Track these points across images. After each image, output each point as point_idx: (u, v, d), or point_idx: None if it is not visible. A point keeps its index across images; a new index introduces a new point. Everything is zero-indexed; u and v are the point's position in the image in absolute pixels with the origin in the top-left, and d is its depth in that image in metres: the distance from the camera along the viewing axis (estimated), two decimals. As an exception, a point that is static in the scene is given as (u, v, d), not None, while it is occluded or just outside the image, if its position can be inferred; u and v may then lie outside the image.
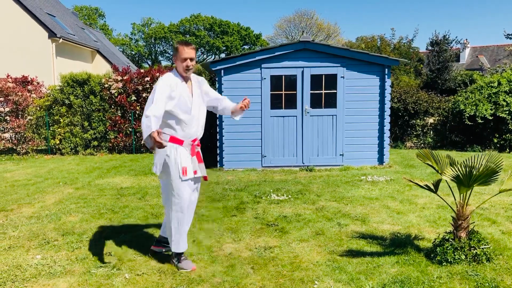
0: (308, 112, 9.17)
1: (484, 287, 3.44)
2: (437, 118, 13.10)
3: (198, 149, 4.03)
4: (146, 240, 4.76)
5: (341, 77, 9.15)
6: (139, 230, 5.12)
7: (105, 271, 3.92)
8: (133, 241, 4.72)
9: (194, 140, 3.94)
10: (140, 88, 12.63)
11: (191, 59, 3.80)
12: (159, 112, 3.53)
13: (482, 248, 3.92)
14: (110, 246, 4.60)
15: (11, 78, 13.06)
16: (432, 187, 4.14)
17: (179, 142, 3.84)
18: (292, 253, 4.28)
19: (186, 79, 3.90)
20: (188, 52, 3.78)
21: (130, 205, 6.34)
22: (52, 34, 20.65)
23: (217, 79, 9.28)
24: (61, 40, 21.04)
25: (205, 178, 4.00)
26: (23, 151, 12.65)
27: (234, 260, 4.15)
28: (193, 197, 4.03)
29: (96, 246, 4.59)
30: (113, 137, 12.69)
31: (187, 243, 4.09)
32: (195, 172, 3.88)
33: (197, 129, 3.94)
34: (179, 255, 3.99)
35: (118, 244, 4.64)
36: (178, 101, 3.76)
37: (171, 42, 54.87)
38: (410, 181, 4.29)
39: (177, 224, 3.90)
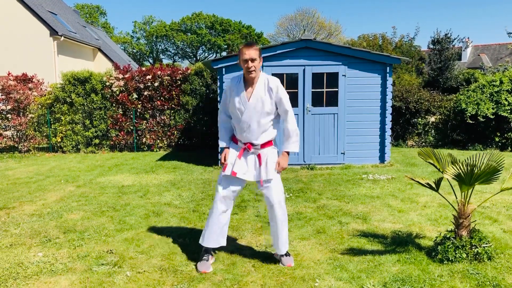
0: (309, 111, 9.16)
1: (485, 286, 3.44)
2: (438, 116, 13.08)
3: (252, 153, 3.89)
4: (147, 238, 4.77)
5: (343, 75, 9.14)
6: (142, 228, 5.13)
7: (106, 269, 3.93)
8: (134, 239, 4.73)
9: (246, 144, 3.86)
10: (141, 86, 12.64)
11: (252, 60, 3.67)
12: (220, 120, 4.05)
13: (484, 247, 3.91)
14: (111, 244, 4.61)
15: (12, 76, 13.07)
16: (433, 185, 4.14)
17: (235, 141, 3.98)
18: (293, 251, 4.28)
19: (249, 81, 3.80)
20: (248, 53, 3.66)
21: (131, 203, 6.34)
22: (53, 32, 20.65)
23: (218, 77, 9.27)
24: (62, 38, 21.04)
25: (261, 183, 3.85)
26: (25, 149, 12.67)
27: (235, 258, 4.15)
28: (235, 193, 3.96)
29: (98, 244, 4.60)
30: (114, 135, 12.70)
31: (213, 243, 4.02)
32: (233, 173, 3.85)
33: (249, 135, 3.82)
34: (202, 250, 4.07)
35: (120, 242, 4.65)
36: (231, 104, 3.88)
37: (173, 40, 54.85)
38: (412, 179, 4.29)
39: (208, 214, 4.07)
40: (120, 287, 3.57)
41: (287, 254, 4.00)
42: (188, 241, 4.63)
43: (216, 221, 3.97)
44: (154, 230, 5.06)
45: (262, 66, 9.09)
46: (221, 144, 4.04)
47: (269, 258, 4.13)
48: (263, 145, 3.87)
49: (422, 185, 4.20)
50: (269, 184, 3.83)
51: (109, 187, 7.54)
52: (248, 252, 4.30)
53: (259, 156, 3.86)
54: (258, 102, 3.75)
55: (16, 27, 20.49)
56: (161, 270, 3.89)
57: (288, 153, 3.90)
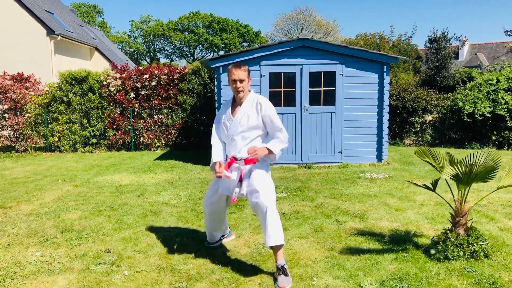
0: (306, 110, 9.17)
1: (482, 283, 3.45)
2: (435, 115, 13.11)
3: (237, 168, 3.85)
4: (145, 237, 4.77)
5: (340, 74, 9.15)
6: (139, 227, 5.13)
7: (104, 268, 3.93)
8: (132, 238, 4.73)
9: (231, 158, 3.86)
10: (139, 85, 12.62)
11: (241, 81, 3.74)
12: (213, 140, 3.99)
13: (480, 245, 3.93)
14: (109, 243, 4.61)
15: (8, 75, 13.04)
16: (430, 186, 4.15)
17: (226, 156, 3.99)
18: (291, 250, 4.29)
19: (238, 100, 3.86)
20: (237, 74, 3.72)
21: (129, 202, 6.34)
22: (50, 32, 20.60)
23: (215, 76, 9.27)
24: (59, 37, 20.98)
25: (232, 199, 3.84)
26: (22, 148, 12.64)
27: (233, 257, 4.16)
28: (212, 206, 4.10)
29: (95, 243, 4.60)
30: (111, 134, 12.69)
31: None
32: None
33: (232, 148, 3.84)
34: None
35: (117, 241, 4.65)
36: (220, 123, 3.96)
37: (170, 39, 54.79)
38: (409, 181, 4.30)
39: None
40: (118, 286, 3.57)
41: (284, 273, 3.60)
42: (186, 240, 4.64)
43: (208, 225, 4.30)
44: (152, 229, 5.06)
45: (259, 65, 9.09)
46: (215, 158, 3.90)
47: (267, 256, 4.13)
48: (247, 161, 3.80)
49: (419, 186, 4.21)
50: (258, 194, 3.70)
51: (106, 186, 7.53)
52: (246, 251, 4.31)
53: (241, 171, 3.82)
54: (244, 117, 3.80)
55: (13, 27, 20.43)
56: (159, 269, 3.89)
57: (268, 149, 3.71)
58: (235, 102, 3.91)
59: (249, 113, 3.80)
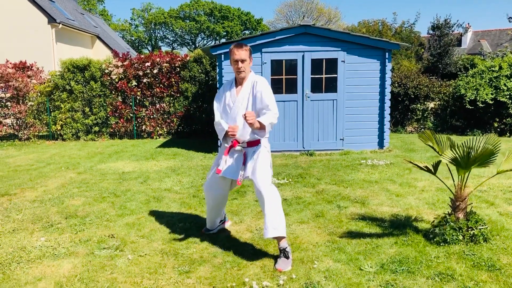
0: (308, 97, 9.17)
1: (481, 266, 3.50)
2: (437, 102, 13.10)
3: (239, 151, 3.90)
4: (148, 222, 4.83)
5: (342, 61, 9.13)
6: (142, 213, 5.19)
7: (108, 253, 3.99)
8: (135, 223, 4.79)
9: (233, 141, 3.87)
10: (140, 73, 12.62)
11: (242, 61, 3.74)
12: (217, 119, 3.96)
13: (480, 229, 3.97)
14: (113, 228, 4.67)
15: (10, 63, 13.05)
16: (431, 168, 4.18)
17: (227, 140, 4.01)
18: (292, 235, 4.34)
19: (239, 81, 3.87)
20: (239, 54, 3.73)
21: (132, 189, 6.40)
22: (51, 20, 20.54)
23: (217, 63, 9.27)
24: (60, 25, 20.93)
25: (238, 182, 3.86)
26: (25, 136, 12.70)
27: (235, 242, 4.21)
28: (216, 191, 4.10)
29: (99, 229, 4.66)
30: (114, 122, 12.72)
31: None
32: (218, 171, 3.90)
33: (238, 132, 3.79)
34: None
35: (121, 227, 4.71)
36: (223, 102, 3.94)
37: (171, 27, 54.55)
38: (410, 162, 4.33)
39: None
40: (122, 270, 3.63)
41: (285, 255, 3.66)
42: (189, 226, 4.69)
43: (209, 211, 4.31)
44: (155, 215, 5.12)
45: (261, 52, 9.08)
46: (226, 126, 3.90)
47: (269, 241, 4.18)
48: (250, 143, 3.86)
49: (421, 168, 4.24)
50: (256, 175, 3.77)
51: (109, 173, 7.59)
52: (247, 236, 4.36)
53: (244, 154, 3.87)
54: (244, 99, 3.83)
55: (14, 15, 20.37)
56: (162, 253, 3.95)
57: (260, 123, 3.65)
58: (237, 83, 3.92)
59: (248, 97, 3.83)
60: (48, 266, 3.73)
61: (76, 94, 12.56)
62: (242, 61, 3.75)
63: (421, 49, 23.28)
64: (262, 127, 3.66)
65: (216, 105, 4.02)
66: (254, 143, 3.85)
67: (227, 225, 4.66)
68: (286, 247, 3.68)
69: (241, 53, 3.74)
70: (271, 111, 3.71)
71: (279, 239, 3.69)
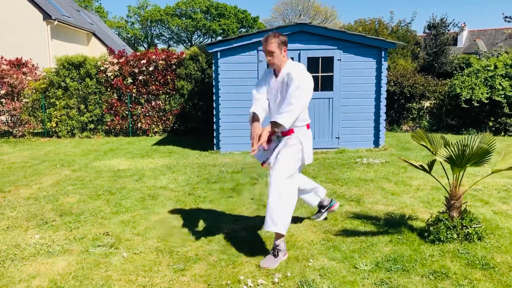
0: (304, 95, 9.15)
1: (475, 265, 3.51)
2: (433, 101, 13.14)
3: (275, 138, 3.87)
4: (143, 220, 4.82)
5: (338, 59, 9.14)
6: (138, 211, 5.17)
7: (103, 250, 3.98)
8: (130, 221, 4.77)
9: (270, 131, 3.73)
10: (136, 70, 12.58)
11: (271, 53, 3.69)
12: (251, 109, 3.81)
13: (474, 227, 3.99)
14: (108, 226, 4.66)
15: (5, 60, 12.98)
16: (426, 167, 4.19)
17: None
18: (288, 233, 4.33)
19: (275, 70, 3.83)
20: (265, 47, 3.72)
21: (127, 187, 6.38)
22: (47, 16, 20.45)
23: (213, 61, 9.25)
24: (56, 22, 20.84)
25: (262, 163, 3.84)
26: (20, 133, 12.64)
27: (231, 240, 4.21)
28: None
29: (94, 226, 4.64)
30: (109, 120, 12.68)
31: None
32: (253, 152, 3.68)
33: (270, 115, 3.83)
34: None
35: (116, 224, 4.70)
36: (267, 89, 3.89)
37: (167, 25, 54.42)
38: (406, 161, 4.34)
39: None
40: (117, 267, 3.62)
41: (274, 253, 3.67)
42: (184, 223, 4.68)
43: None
44: (150, 212, 5.11)
45: (257, 50, 9.06)
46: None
47: (264, 239, 4.19)
48: (283, 133, 3.79)
49: (416, 167, 4.25)
50: (275, 163, 3.72)
51: (104, 171, 7.57)
52: (243, 234, 4.36)
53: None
54: (278, 84, 3.79)
55: (9, 11, 20.26)
56: (157, 251, 3.94)
57: (273, 124, 3.58)
58: (275, 71, 3.87)
59: (280, 86, 3.77)
60: (42, 264, 3.72)
61: (71, 91, 12.51)
62: (270, 53, 3.70)
63: (417, 48, 23.32)
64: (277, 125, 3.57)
65: (254, 93, 3.92)
66: (287, 133, 3.78)
67: (336, 207, 4.62)
68: (279, 245, 3.67)
69: (268, 45, 3.69)
70: (288, 111, 3.53)
71: (277, 235, 3.70)
